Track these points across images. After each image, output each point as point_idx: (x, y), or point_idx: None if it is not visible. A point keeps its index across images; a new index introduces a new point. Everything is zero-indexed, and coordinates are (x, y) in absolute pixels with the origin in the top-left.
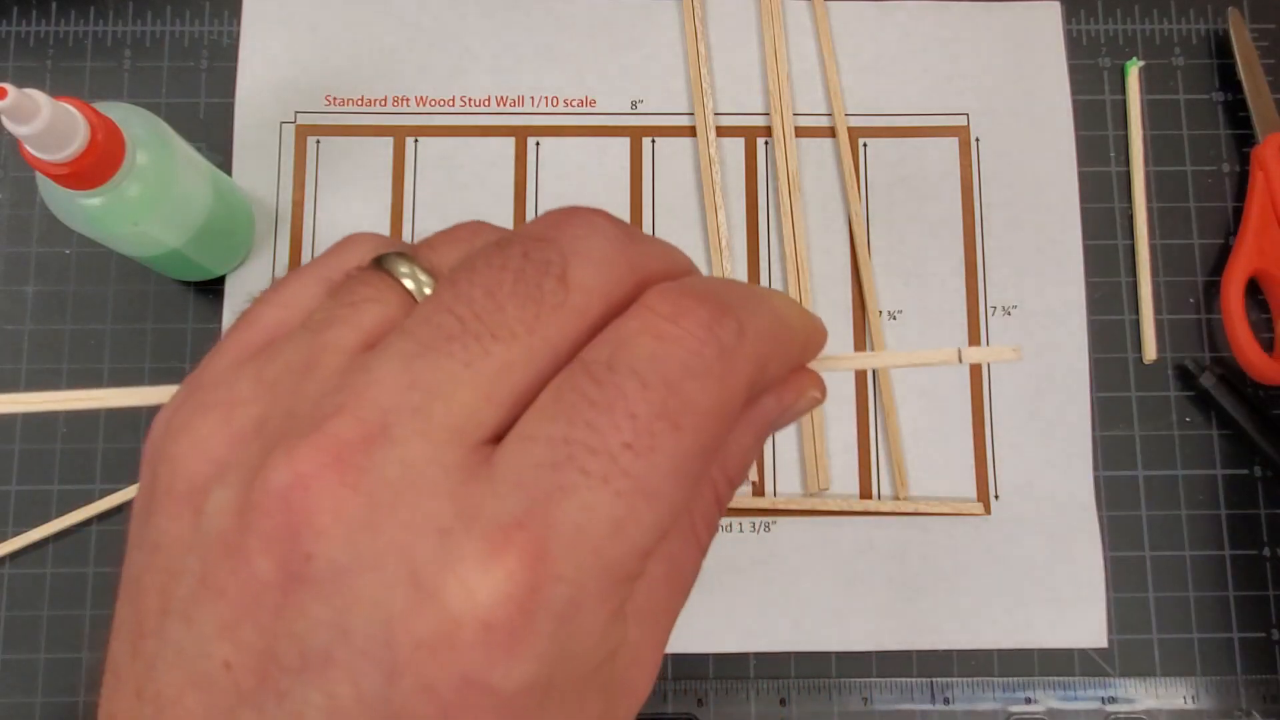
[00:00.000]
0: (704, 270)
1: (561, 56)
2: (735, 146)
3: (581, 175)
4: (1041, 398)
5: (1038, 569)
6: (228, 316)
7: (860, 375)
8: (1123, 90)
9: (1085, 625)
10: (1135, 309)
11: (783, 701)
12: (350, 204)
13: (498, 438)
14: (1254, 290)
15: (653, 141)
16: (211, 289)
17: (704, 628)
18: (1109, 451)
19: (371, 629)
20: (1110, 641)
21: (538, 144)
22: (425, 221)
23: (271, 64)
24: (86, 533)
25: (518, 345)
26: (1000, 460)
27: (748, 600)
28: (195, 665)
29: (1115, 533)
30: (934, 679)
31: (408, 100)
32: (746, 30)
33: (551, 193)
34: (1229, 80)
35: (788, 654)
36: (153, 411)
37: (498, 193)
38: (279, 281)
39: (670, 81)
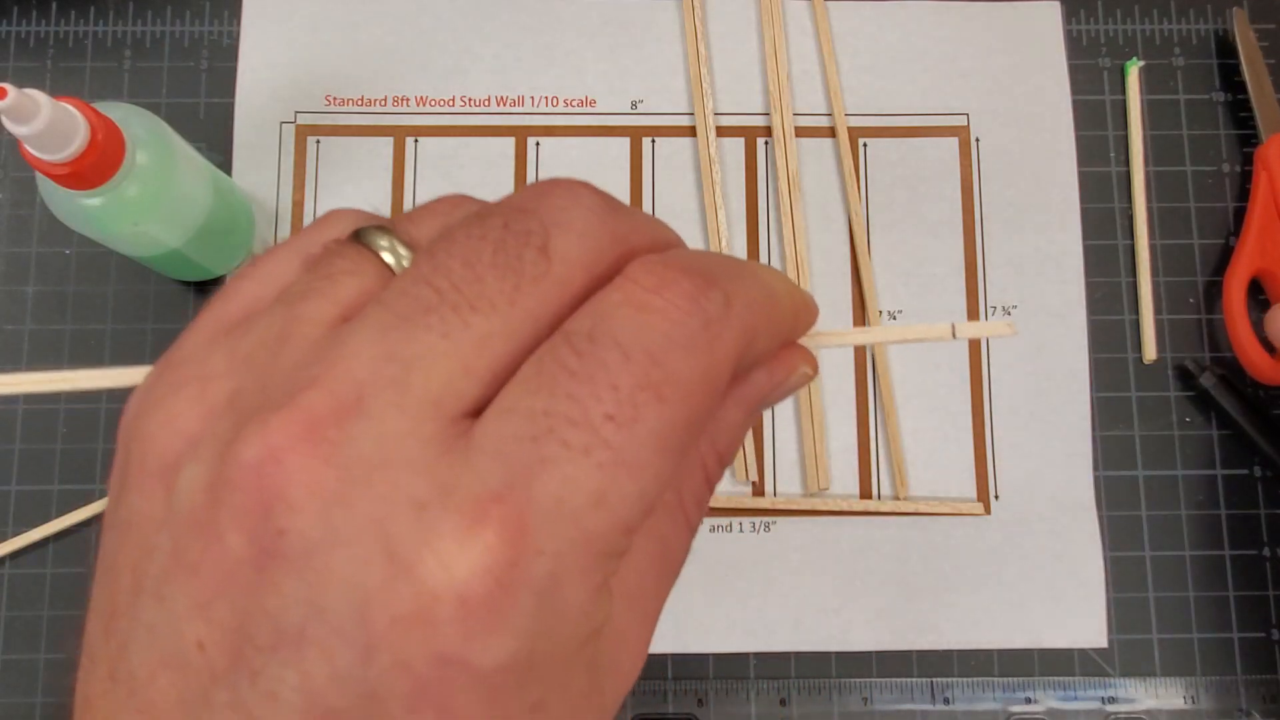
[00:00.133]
0: None
1: (561, 56)
2: (735, 146)
3: (581, 175)
4: (1041, 398)
5: (1038, 569)
6: None
7: (860, 375)
8: (1123, 90)
9: (1085, 625)
10: (1135, 309)
11: (783, 701)
12: (350, 204)
13: (477, 411)
14: (1256, 290)
15: (653, 141)
16: (211, 289)
17: (704, 628)
18: (1109, 451)
19: (346, 606)
20: (1110, 641)
21: (538, 144)
22: None
23: (271, 64)
24: (86, 533)
25: (497, 317)
26: (1000, 460)
27: (748, 600)
28: (168, 645)
29: (1115, 533)
30: (934, 679)
31: (408, 100)
32: (746, 30)
33: None
34: (1229, 80)
35: (788, 654)
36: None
37: (498, 193)
38: (257, 257)
39: (670, 81)
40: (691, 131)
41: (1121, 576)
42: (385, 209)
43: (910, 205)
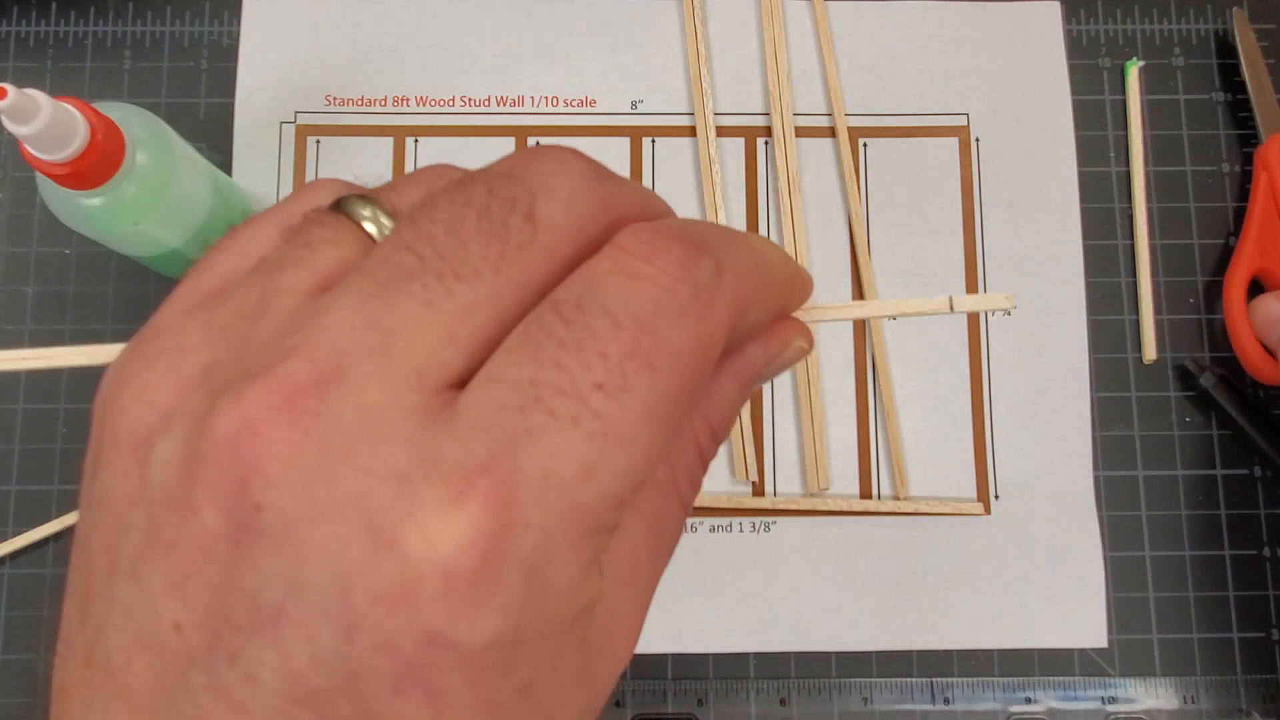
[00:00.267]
0: None
1: (561, 56)
2: (735, 146)
3: None
4: (1041, 398)
5: (1038, 569)
6: None
7: (860, 375)
8: (1123, 90)
9: (1085, 625)
10: (1135, 309)
11: (783, 701)
12: None
13: (462, 382)
14: (1256, 290)
15: (653, 141)
16: None
17: (704, 628)
18: (1109, 451)
19: (326, 583)
20: (1110, 641)
21: (538, 144)
22: None
23: (271, 64)
24: None
25: (482, 284)
26: (1000, 460)
27: (748, 600)
28: (144, 626)
29: (1115, 533)
30: (934, 679)
31: (408, 100)
32: (746, 30)
33: None
34: (1229, 80)
35: (788, 654)
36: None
37: None
38: (235, 228)
39: (670, 81)
40: (691, 131)
41: (1121, 576)
42: None
43: (910, 205)
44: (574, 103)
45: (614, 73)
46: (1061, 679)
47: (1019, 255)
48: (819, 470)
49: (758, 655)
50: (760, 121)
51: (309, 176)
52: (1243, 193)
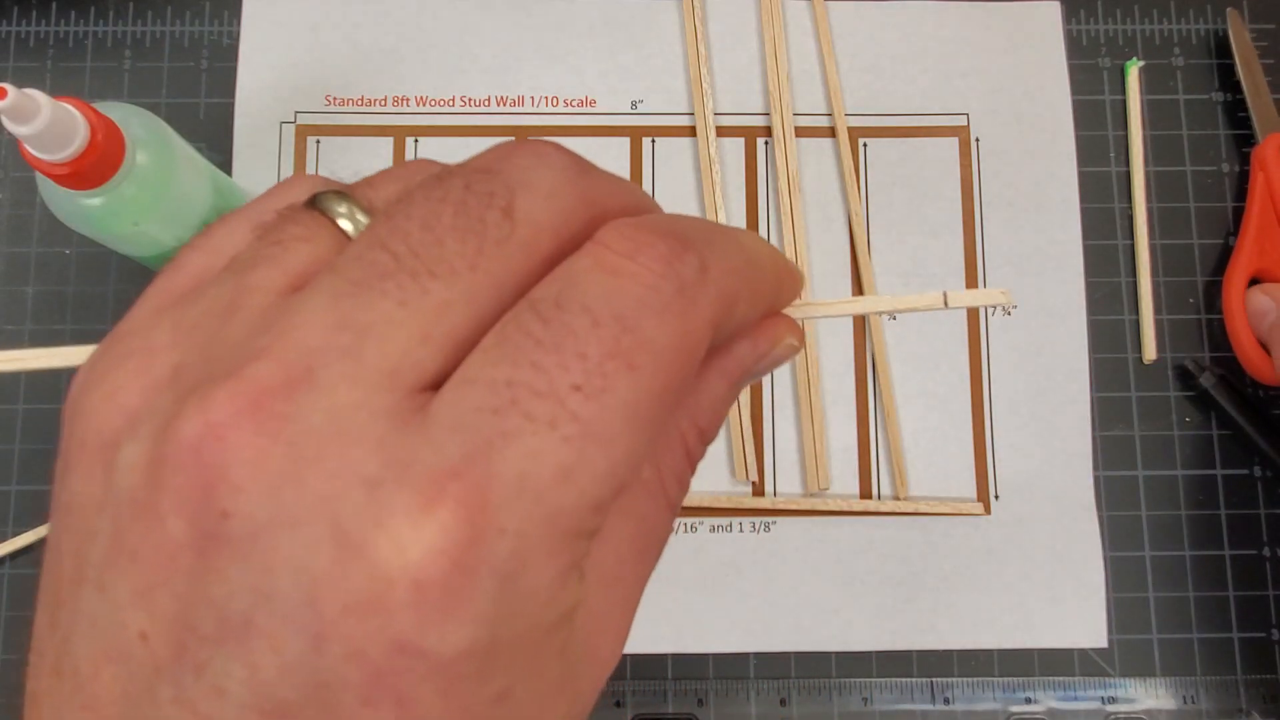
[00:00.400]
0: None
1: (561, 56)
2: (735, 146)
3: None
4: (1041, 398)
5: (1038, 569)
6: None
7: (860, 375)
8: (1123, 90)
9: (1085, 625)
10: (1135, 309)
11: (783, 701)
12: None
13: (437, 384)
14: None
15: (653, 141)
16: None
17: (704, 628)
18: (1109, 451)
19: (294, 592)
20: (1110, 641)
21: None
22: None
23: (271, 64)
24: None
25: (458, 283)
26: (1000, 460)
27: (748, 600)
28: (110, 637)
29: (1115, 533)
30: (934, 679)
31: (408, 100)
32: (746, 30)
33: None
34: (1229, 80)
35: (788, 654)
36: None
37: None
38: (209, 226)
39: (670, 81)
40: (691, 131)
41: (1121, 576)
42: None
43: (910, 205)
44: (574, 103)
45: (614, 73)
46: (1061, 679)
47: (1019, 255)
48: (819, 470)
49: (758, 655)
50: (760, 121)
51: None
52: (1243, 193)
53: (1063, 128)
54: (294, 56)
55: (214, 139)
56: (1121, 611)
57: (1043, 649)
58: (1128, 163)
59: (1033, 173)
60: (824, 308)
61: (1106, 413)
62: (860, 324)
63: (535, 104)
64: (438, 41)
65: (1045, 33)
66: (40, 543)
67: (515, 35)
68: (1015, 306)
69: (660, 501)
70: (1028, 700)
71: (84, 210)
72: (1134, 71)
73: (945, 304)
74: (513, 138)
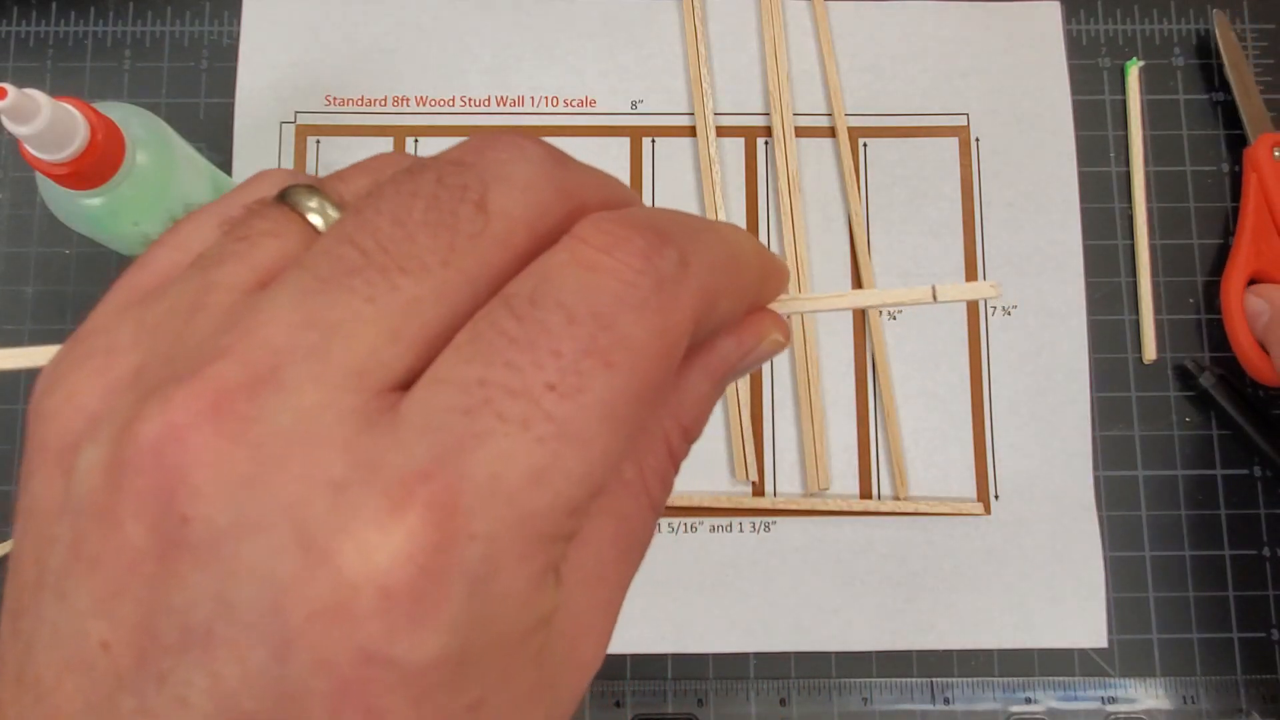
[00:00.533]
0: None
1: (561, 56)
2: (735, 146)
3: None
4: (1041, 398)
5: (1038, 569)
6: None
7: (860, 375)
8: (1123, 90)
9: (1085, 625)
10: (1135, 309)
11: (783, 701)
12: None
13: (408, 383)
14: None
15: (653, 141)
16: None
17: (704, 628)
18: (1109, 451)
19: (258, 599)
20: (1110, 641)
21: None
22: None
23: (271, 64)
24: None
25: (429, 279)
26: (1000, 460)
27: (748, 600)
28: (72, 645)
29: (1115, 533)
30: (934, 679)
31: (408, 100)
32: (746, 30)
33: None
34: (1229, 80)
35: (788, 654)
36: None
37: None
38: (178, 222)
39: (670, 81)
40: (691, 131)
41: (1121, 576)
42: None
43: (910, 205)
44: (574, 103)
45: (614, 73)
46: (1061, 679)
47: (1019, 255)
48: (819, 470)
49: (758, 655)
50: (760, 121)
51: None
52: (1241, 193)
53: (1063, 128)
54: (294, 56)
55: (214, 139)
56: (1121, 611)
57: (1043, 649)
58: (1128, 163)
59: (1033, 173)
60: (811, 302)
61: (1106, 413)
62: (860, 324)
63: (535, 104)
64: (438, 41)
65: (1045, 33)
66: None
67: (515, 35)
68: (1000, 297)
69: (642, 501)
70: (1028, 700)
71: (84, 210)
72: (1134, 71)
73: (934, 298)
74: (493, 130)
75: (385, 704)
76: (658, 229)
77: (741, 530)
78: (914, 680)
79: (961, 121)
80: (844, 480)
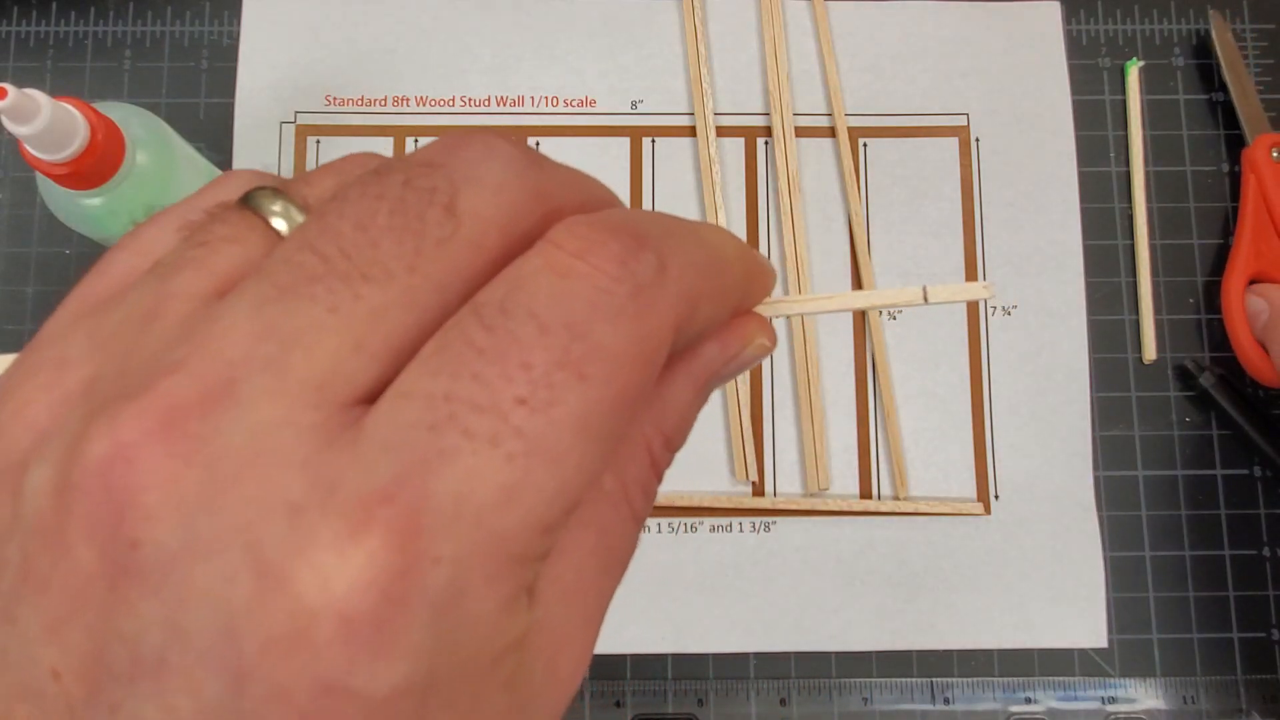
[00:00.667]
0: None
1: (561, 56)
2: (735, 146)
3: None
4: (1041, 398)
5: (1038, 569)
6: None
7: (860, 375)
8: (1123, 90)
9: (1085, 625)
10: (1135, 309)
11: (783, 701)
12: None
13: (373, 397)
14: None
15: (653, 141)
16: None
17: (704, 628)
18: (1109, 451)
19: (211, 627)
20: (1110, 641)
21: (538, 144)
22: None
23: (271, 64)
24: None
25: (394, 286)
26: (1000, 460)
27: (748, 600)
28: (22, 672)
29: (1115, 533)
30: (934, 679)
31: (408, 100)
32: (746, 30)
33: None
34: (1227, 82)
35: (788, 654)
36: None
37: None
38: (139, 225)
39: (670, 81)
40: (691, 131)
41: (1121, 576)
42: None
43: (910, 205)
44: (574, 103)
45: (614, 73)
46: (1061, 679)
47: (1019, 255)
48: (819, 470)
49: (758, 655)
50: (760, 121)
51: None
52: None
53: (1063, 128)
54: (294, 56)
55: (214, 139)
56: (1121, 611)
57: (1043, 649)
58: (1128, 163)
59: (1033, 173)
60: (798, 304)
61: (1106, 413)
62: (860, 324)
63: (535, 104)
64: (438, 41)
65: (1045, 33)
66: None
67: (515, 35)
68: (993, 298)
69: (624, 513)
70: (1028, 700)
71: (84, 210)
72: (1134, 71)
73: (925, 299)
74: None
75: None
76: (635, 232)
77: (741, 530)
78: (914, 680)
79: (961, 121)
80: (844, 480)
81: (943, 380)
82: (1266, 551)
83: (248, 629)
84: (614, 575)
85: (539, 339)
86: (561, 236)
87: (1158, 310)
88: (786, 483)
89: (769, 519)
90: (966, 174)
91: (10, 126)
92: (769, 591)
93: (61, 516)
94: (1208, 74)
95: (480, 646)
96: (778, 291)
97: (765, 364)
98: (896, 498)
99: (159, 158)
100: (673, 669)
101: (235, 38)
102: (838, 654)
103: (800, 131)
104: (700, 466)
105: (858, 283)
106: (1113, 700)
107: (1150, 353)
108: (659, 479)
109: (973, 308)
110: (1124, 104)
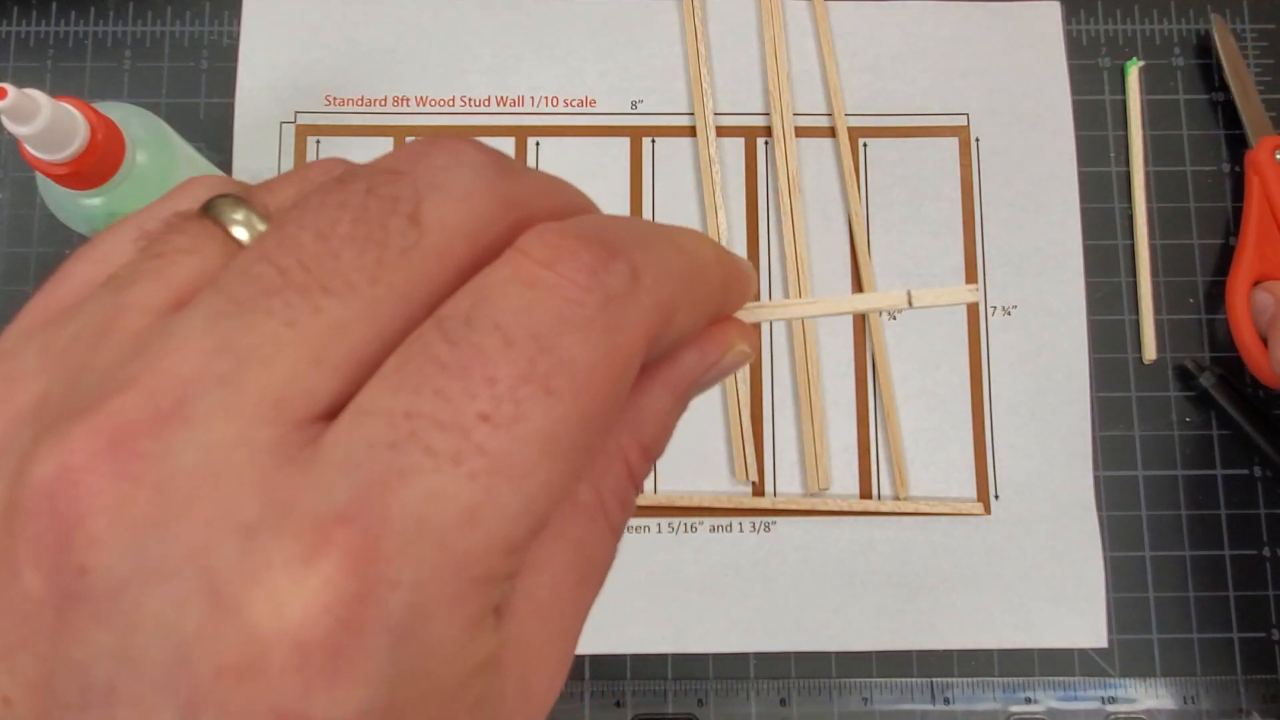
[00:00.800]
0: None
1: (561, 56)
2: (735, 146)
3: (581, 175)
4: (1041, 398)
5: (1038, 569)
6: None
7: (860, 375)
8: (1123, 90)
9: (1085, 625)
10: (1135, 309)
11: (783, 701)
12: None
13: (335, 414)
14: None
15: (653, 141)
16: None
17: (704, 628)
18: (1109, 451)
19: (162, 655)
20: (1110, 641)
21: (538, 144)
22: None
23: (271, 64)
24: None
25: (355, 299)
26: (1000, 460)
27: (748, 600)
28: None
29: (1115, 533)
30: (934, 679)
31: (408, 100)
32: (746, 30)
33: None
34: (1229, 84)
35: (788, 654)
36: None
37: None
38: (99, 233)
39: (670, 81)
40: (691, 131)
41: (1121, 576)
42: None
43: (910, 205)
44: (574, 103)
45: (614, 73)
46: (1061, 679)
47: (1019, 255)
48: (819, 470)
49: (758, 655)
50: (760, 121)
51: None
52: (1243, 193)
53: (1063, 128)
54: (294, 56)
55: (214, 139)
56: (1121, 611)
57: (1043, 649)
58: (1128, 163)
59: (1033, 173)
60: (780, 309)
61: (1106, 413)
62: (860, 324)
63: (535, 104)
64: (438, 41)
65: (1045, 33)
66: None
67: (515, 35)
68: (978, 301)
69: (600, 525)
70: (1028, 700)
71: (84, 210)
72: (1134, 71)
73: (910, 304)
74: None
75: None
76: (607, 240)
77: (741, 530)
78: (914, 680)
79: (961, 121)
80: (844, 480)
81: (943, 380)
82: (1266, 551)
83: (200, 657)
84: (591, 588)
85: (504, 352)
86: (530, 245)
87: (1158, 310)
88: (786, 483)
89: (769, 519)
90: (966, 174)
91: (10, 126)
92: (769, 591)
93: (9, 540)
94: (1208, 74)
95: (444, 670)
96: (778, 292)
97: (765, 364)
98: (896, 498)
99: (159, 158)
100: (673, 669)
101: (235, 38)
102: (838, 654)
103: (800, 131)
104: (700, 466)
105: (858, 282)
106: (1113, 700)
107: (1150, 353)
108: (638, 489)
109: (973, 307)
110: (1124, 104)
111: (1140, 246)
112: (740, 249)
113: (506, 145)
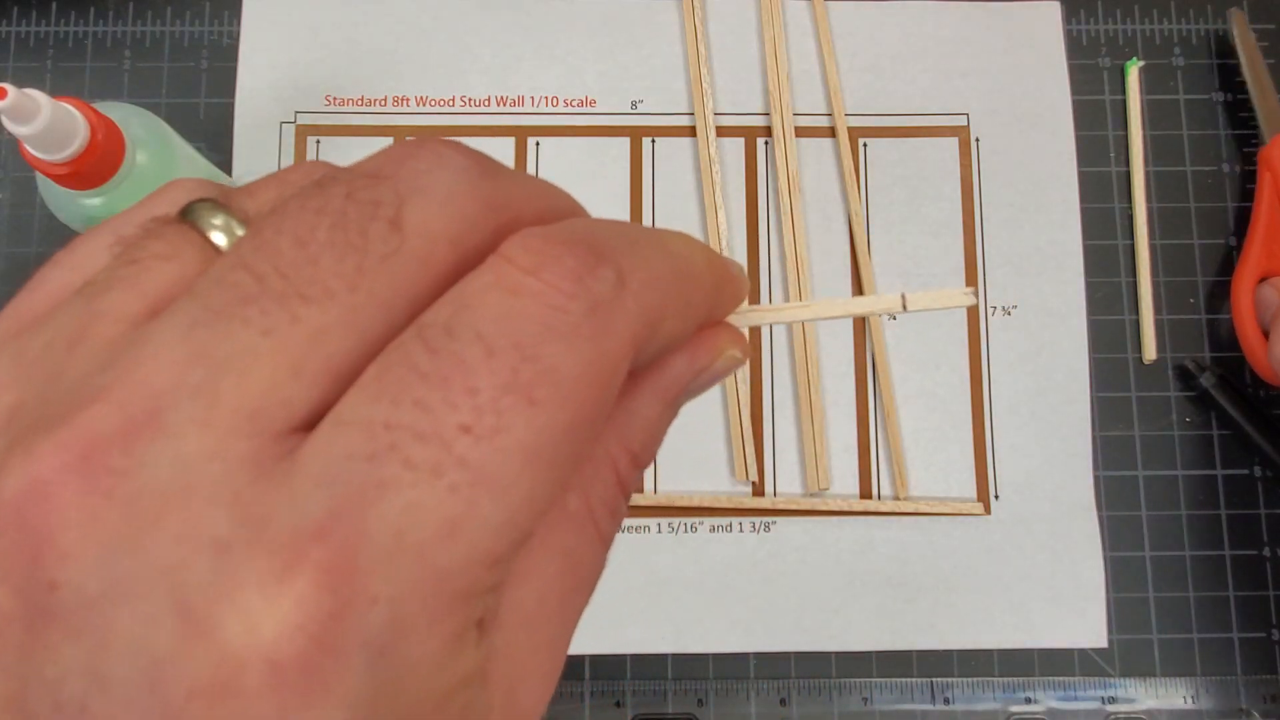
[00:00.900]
0: None
1: (561, 56)
2: (735, 146)
3: (581, 175)
4: (1041, 398)
5: (1038, 569)
6: None
7: (860, 375)
8: (1123, 90)
9: (1085, 625)
10: (1135, 309)
11: (783, 701)
12: None
13: (311, 426)
14: None
15: (653, 141)
16: None
17: (704, 628)
18: (1109, 451)
19: (134, 675)
20: (1110, 641)
21: (538, 144)
22: None
23: (271, 64)
24: None
25: (334, 306)
26: (1000, 461)
27: (748, 600)
28: None
29: (1115, 533)
30: (934, 679)
31: (408, 100)
32: (746, 30)
33: None
34: (1229, 80)
35: (788, 654)
36: None
37: None
38: (76, 239)
39: (670, 81)
40: (691, 131)
41: (1121, 576)
42: None
43: (910, 205)
44: (574, 103)
45: (614, 73)
46: (1061, 679)
47: (1019, 255)
48: (819, 470)
49: (758, 655)
50: (760, 121)
51: None
52: (1243, 193)
53: (1063, 128)
54: (294, 56)
55: (214, 139)
56: (1121, 611)
57: (1043, 649)
58: (1128, 163)
59: (1033, 173)
60: (771, 313)
61: (1106, 413)
62: (860, 325)
63: (535, 104)
64: (437, 41)
65: (1045, 33)
66: None
67: (515, 35)
68: (974, 304)
69: (589, 534)
70: (1028, 700)
71: (84, 210)
72: (1134, 71)
73: (904, 307)
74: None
75: None
76: (592, 245)
77: (741, 530)
78: (914, 680)
79: (961, 121)
80: (844, 480)
81: (943, 380)
82: (1266, 551)
83: (172, 677)
84: (580, 598)
85: (485, 362)
86: (514, 251)
87: (1158, 310)
88: (786, 483)
89: (769, 519)
90: (966, 174)
91: (10, 126)
92: (769, 591)
93: None
94: (1208, 74)
95: (425, 687)
96: (778, 292)
97: (765, 364)
98: (896, 498)
99: (159, 158)
100: (673, 669)
101: (235, 38)
102: (838, 654)
103: (800, 131)
104: (700, 466)
105: (858, 283)
106: (1113, 700)
107: (1150, 353)
108: (627, 497)
109: (973, 307)
110: (1124, 104)
111: (1140, 246)
112: (740, 249)
113: (506, 145)
